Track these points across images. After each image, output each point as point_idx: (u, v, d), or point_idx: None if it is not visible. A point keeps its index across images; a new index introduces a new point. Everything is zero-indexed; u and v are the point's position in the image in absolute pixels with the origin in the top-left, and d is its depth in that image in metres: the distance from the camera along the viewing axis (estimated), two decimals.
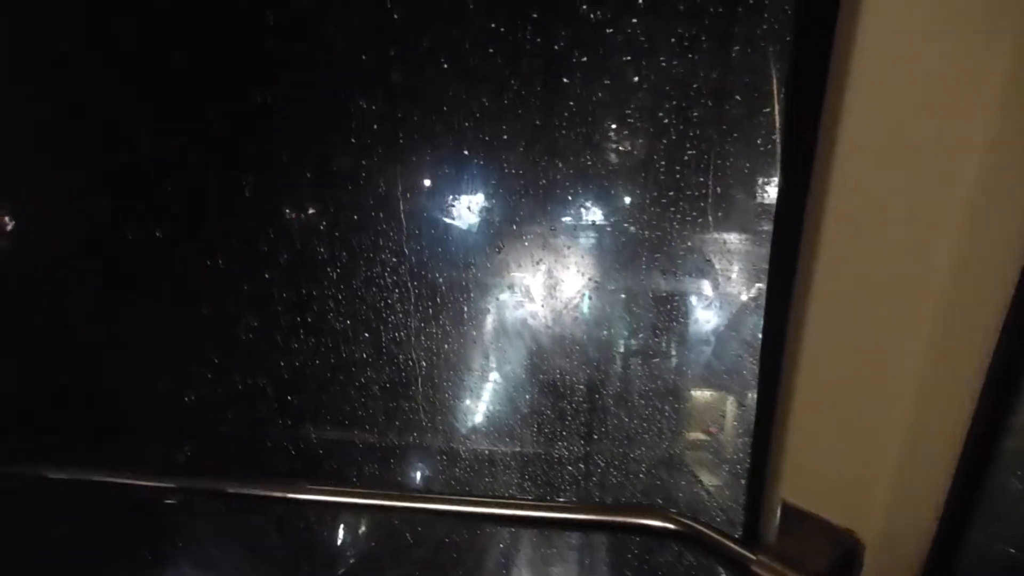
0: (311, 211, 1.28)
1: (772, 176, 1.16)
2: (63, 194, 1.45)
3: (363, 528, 1.60)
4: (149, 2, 1.26)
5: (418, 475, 1.46)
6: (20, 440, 1.52)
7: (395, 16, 1.24)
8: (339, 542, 1.57)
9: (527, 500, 1.52)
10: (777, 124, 1.21)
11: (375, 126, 1.30)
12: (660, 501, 1.44)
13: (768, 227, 1.17)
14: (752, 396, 1.31)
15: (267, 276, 1.39)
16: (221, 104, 1.35)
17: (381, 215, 1.33)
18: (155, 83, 1.39)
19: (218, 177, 1.36)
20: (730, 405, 1.36)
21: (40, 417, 1.55)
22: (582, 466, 1.46)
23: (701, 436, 1.39)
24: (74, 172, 1.44)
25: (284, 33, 1.31)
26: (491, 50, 1.24)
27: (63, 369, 1.51)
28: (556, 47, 1.22)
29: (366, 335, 1.39)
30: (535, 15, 1.21)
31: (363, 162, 1.32)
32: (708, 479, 1.42)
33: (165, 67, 1.37)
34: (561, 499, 1.43)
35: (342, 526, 1.56)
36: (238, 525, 1.56)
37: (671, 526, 1.11)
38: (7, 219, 1.45)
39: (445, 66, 1.25)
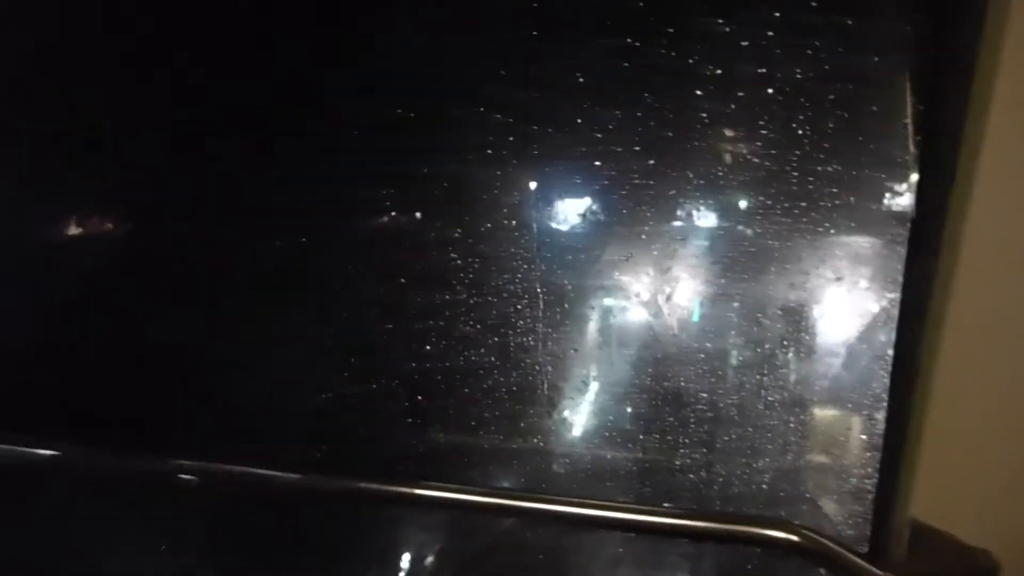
0: (445, 220, 1.35)
1: (907, 187, 1.17)
2: (200, 198, 1.55)
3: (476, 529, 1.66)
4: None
5: (541, 480, 1.50)
6: (162, 435, 1.64)
7: (533, 33, 1.30)
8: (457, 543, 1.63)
9: (644, 507, 1.55)
10: (912, 136, 1.21)
11: (510, 138, 1.36)
12: (783, 514, 1.45)
13: (903, 239, 1.19)
14: (882, 410, 1.31)
15: (402, 281, 1.46)
16: (357, 113, 1.43)
17: (513, 223, 1.40)
18: (302, 99, 1.48)
19: (355, 187, 1.44)
20: (857, 420, 1.36)
21: (182, 414, 1.65)
22: (704, 474, 1.48)
23: (826, 452, 1.40)
24: (210, 177, 1.54)
25: (421, 49, 1.38)
26: (625, 64, 1.28)
27: (207, 369, 1.61)
28: (689, 60, 1.26)
29: (494, 340, 1.45)
30: (670, 30, 1.25)
31: (498, 172, 1.39)
32: (832, 493, 1.42)
33: (310, 86, 1.46)
34: (679, 507, 1.46)
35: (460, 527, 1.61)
36: (366, 523, 1.64)
37: (795, 539, 1.14)
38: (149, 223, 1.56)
39: (580, 80, 1.30)
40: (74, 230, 1.63)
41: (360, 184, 1.42)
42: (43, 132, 1.65)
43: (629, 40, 1.23)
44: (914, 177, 1.21)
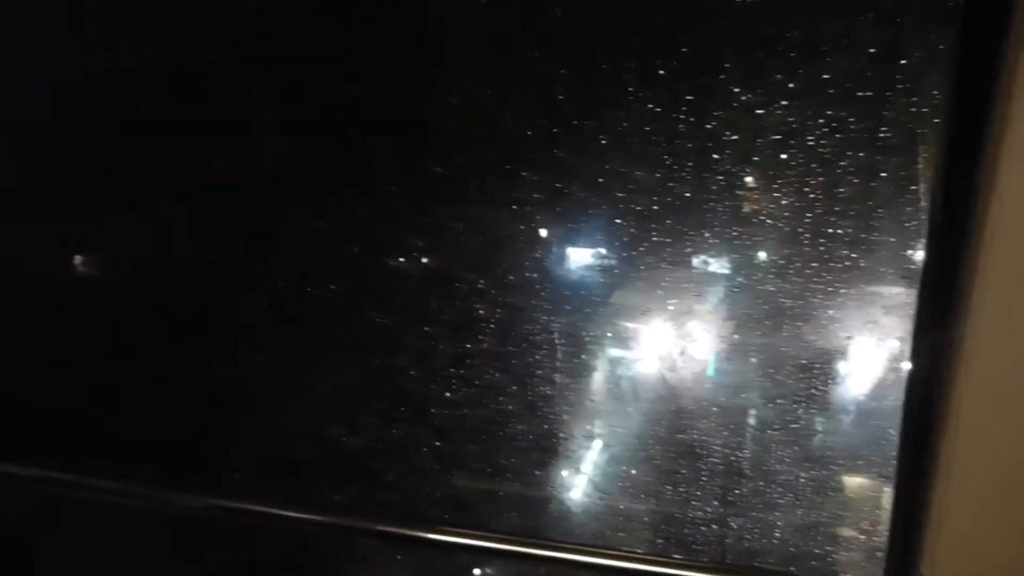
0: (473, 272, 1.41)
1: (918, 251, 1.21)
2: (237, 242, 1.61)
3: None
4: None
5: (558, 527, 1.53)
6: (193, 473, 1.68)
7: (560, 98, 1.37)
8: None
9: (657, 557, 1.57)
10: (923, 202, 1.26)
11: (536, 195, 1.42)
12: (793, 569, 1.47)
13: (913, 301, 1.23)
14: (893, 469, 1.34)
15: (427, 330, 1.51)
16: (393, 166, 1.50)
17: (536, 276, 1.45)
18: (337, 148, 1.55)
19: (387, 238, 1.50)
20: (869, 478, 1.39)
21: (213, 451, 1.70)
22: (716, 527, 1.50)
23: (838, 509, 1.42)
24: (248, 222, 1.60)
25: (455, 107, 1.45)
26: (646, 128, 1.35)
27: (238, 411, 1.66)
28: (708, 126, 1.31)
29: (516, 389, 1.49)
30: (689, 97, 1.31)
31: (523, 227, 1.44)
32: (844, 551, 1.44)
33: (348, 138, 1.53)
34: (691, 559, 1.48)
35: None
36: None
37: None
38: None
39: (604, 142, 1.36)
40: (103, 268, 1.67)
41: (392, 235, 1.48)
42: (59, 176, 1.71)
43: (651, 105, 1.29)
44: (924, 240, 1.26)
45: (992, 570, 0.89)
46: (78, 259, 1.74)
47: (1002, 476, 0.83)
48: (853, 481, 1.41)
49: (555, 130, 1.40)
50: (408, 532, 1.47)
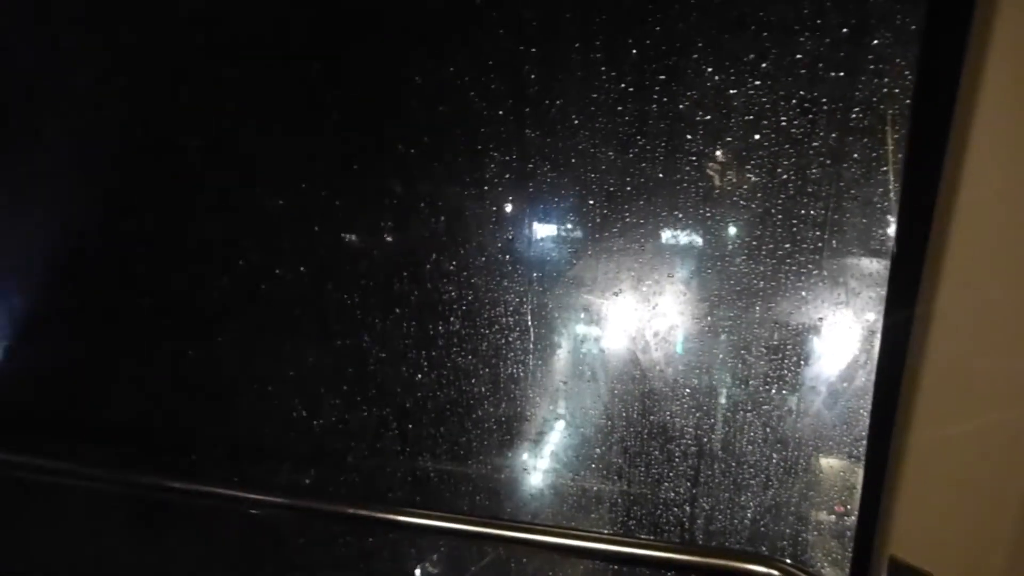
0: (441, 253, 1.40)
1: (888, 234, 1.22)
2: (204, 225, 1.59)
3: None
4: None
5: (527, 508, 1.53)
6: (160, 456, 1.66)
7: (532, 76, 1.36)
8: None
9: (628, 538, 1.58)
10: (892, 184, 1.26)
11: (507, 175, 1.41)
12: (764, 548, 1.48)
13: (883, 281, 1.24)
14: (863, 448, 1.35)
15: (397, 311, 1.50)
16: (361, 147, 1.48)
17: (507, 258, 1.44)
18: (307, 131, 1.53)
19: (354, 219, 1.48)
20: (838, 457, 1.40)
21: (179, 435, 1.68)
22: (687, 508, 1.51)
23: (807, 488, 1.43)
24: (215, 206, 1.58)
25: (423, 87, 1.44)
26: (619, 108, 1.34)
27: (204, 392, 1.64)
28: (680, 107, 1.31)
29: (485, 371, 1.49)
30: (661, 77, 1.31)
31: (494, 208, 1.43)
32: (813, 529, 1.46)
33: (316, 121, 1.51)
34: (663, 539, 1.48)
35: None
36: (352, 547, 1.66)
37: (775, 573, 1.17)
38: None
39: (576, 121, 1.36)
40: (78, 252, 1.65)
41: (359, 216, 1.46)
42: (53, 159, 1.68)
43: (623, 85, 1.29)
44: (893, 221, 1.26)
45: (963, 549, 0.90)
46: (44, 245, 1.71)
47: (970, 455, 0.84)
48: (823, 461, 1.42)
49: (525, 109, 1.38)
50: (373, 514, 1.46)
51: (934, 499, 0.91)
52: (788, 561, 1.17)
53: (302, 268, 1.53)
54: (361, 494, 1.58)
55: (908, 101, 1.25)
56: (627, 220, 1.41)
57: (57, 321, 1.73)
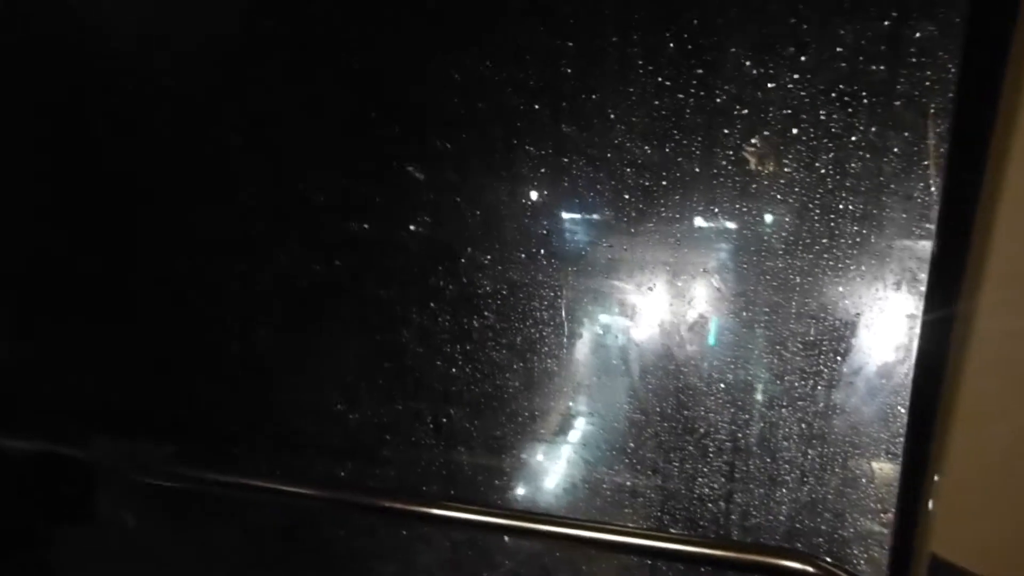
0: (477, 247, 1.42)
1: (929, 229, 1.22)
2: (241, 216, 1.62)
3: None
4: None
5: (561, 503, 1.55)
6: (202, 447, 1.70)
7: (568, 71, 1.37)
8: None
9: (664, 533, 1.60)
10: (933, 179, 1.26)
11: (543, 170, 1.43)
12: (800, 545, 1.49)
13: (923, 277, 1.24)
14: (901, 445, 1.35)
15: (432, 305, 1.53)
16: (398, 143, 1.51)
17: (543, 252, 1.46)
18: (343, 125, 1.56)
19: (391, 213, 1.51)
20: (877, 454, 1.40)
21: (220, 427, 1.72)
22: (723, 504, 1.52)
23: (845, 485, 1.44)
24: (253, 196, 1.62)
25: (465, 92, 1.46)
26: (656, 102, 1.35)
27: (239, 386, 1.68)
28: (717, 101, 1.32)
29: (521, 365, 1.51)
30: (699, 71, 1.31)
31: (530, 202, 1.45)
32: (851, 526, 1.46)
33: (350, 114, 1.54)
34: (698, 534, 1.50)
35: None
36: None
37: (811, 570, 1.18)
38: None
39: (612, 116, 1.37)
40: (107, 242, 1.69)
41: (396, 210, 1.49)
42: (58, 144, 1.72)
43: (660, 79, 1.30)
44: (934, 217, 1.26)
45: (1004, 546, 0.90)
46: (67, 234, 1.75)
47: (1011, 452, 0.84)
48: (860, 458, 1.43)
49: (561, 104, 1.40)
50: (409, 507, 1.49)
51: (975, 497, 0.91)
52: (826, 559, 1.18)
53: (338, 263, 1.56)
54: (396, 487, 1.61)
55: (951, 94, 1.25)
56: (663, 215, 1.42)
57: (99, 312, 1.78)
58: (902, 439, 1.44)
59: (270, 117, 1.57)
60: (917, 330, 1.23)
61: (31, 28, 1.64)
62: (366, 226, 1.55)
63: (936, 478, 0.93)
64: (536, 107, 1.41)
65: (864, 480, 1.48)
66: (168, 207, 1.67)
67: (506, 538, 1.67)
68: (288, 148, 1.56)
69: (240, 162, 1.60)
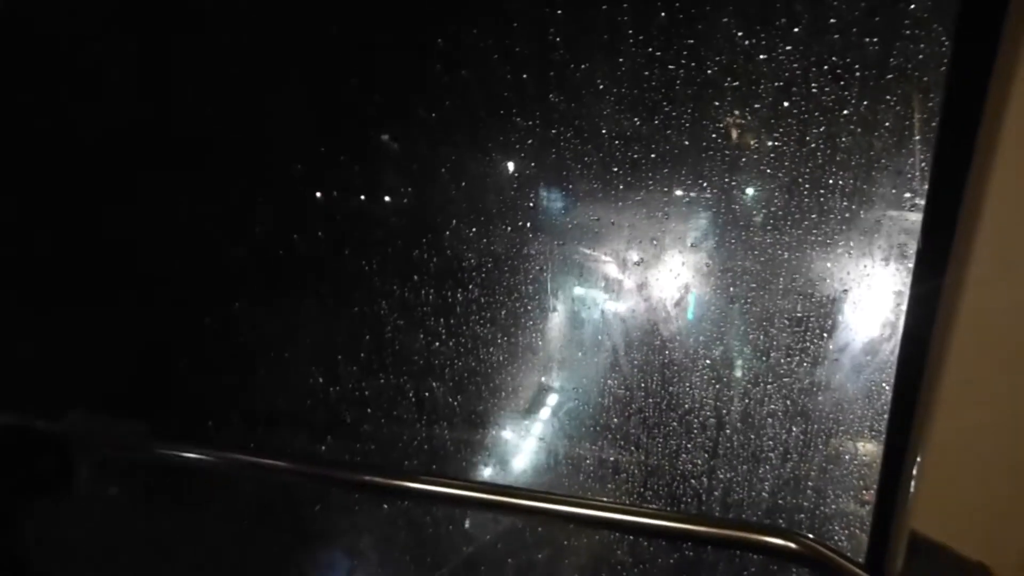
0: (462, 220, 1.40)
1: (917, 202, 1.21)
2: (218, 194, 1.59)
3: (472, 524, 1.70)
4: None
5: (543, 478, 1.55)
6: (179, 423, 1.68)
7: (557, 39, 1.35)
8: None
9: (646, 509, 1.60)
10: (925, 154, 1.25)
11: (530, 141, 1.40)
12: (782, 521, 1.49)
13: (911, 252, 1.24)
14: (884, 422, 1.36)
15: (415, 278, 1.51)
16: (377, 112, 1.47)
17: (528, 225, 1.44)
18: (321, 99, 1.53)
19: (373, 184, 1.48)
20: (859, 431, 1.41)
21: (197, 403, 1.70)
22: (706, 480, 1.53)
23: (828, 462, 1.44)
24: (229, 173, 1.58)
25: (445, 50, 1.43)
26: (646, 73, 1.33)
27: (219, 361, 1.66)
28: (708, 72, 1.30)
29: (504, 339, 1.50)
30: (689, 41, 1.29)
31: (516, 174, 1.43)
32: (832, 503, 1.47)
33: (332, 88, 1.51)
34: (680, 511, 1.49)
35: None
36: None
37: (793, 546, 1.18)
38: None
39: (601, 87, 1.35)
40: (89, 231, 1.66)
41: (378, 181, 1.46)
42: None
43: (650, 50, 1.28)
44: (924, 192, 1.26)
45: (984, 523, 0.90)
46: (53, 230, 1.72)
47: (993, 429, 0.84)
48: (843, 435, 1.43)
49: (549, 73, 1.38)
50: (389, 482, 1.47)
51: (955, 473, 0.92)
52: (808, 535, 1.18)
53: (320, 234, 1.53)
54: (377, 462, 1.59)
55: (943, 68, 1.24)
56: (651, 188, 1.40)
57: (71, 296, 1.74)
58: (886, 416, 1.44)
59: (249, 89, 1.53)
60: (904, 307, 1.22)
61: None
62: (347, 199, 1.52)
63: (919, 455, 0.92)
64: (523, 77, 1.39)
65: (846, 457, 1.48)
66: (137, 185, 1.63)
67: (488, 513, 1.66)
68: (267, 121, 1.52)
69: (216, 136, 1.56)
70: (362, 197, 1.50)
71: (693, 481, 1.59)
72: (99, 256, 1.71)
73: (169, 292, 1.68)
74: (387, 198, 1.47)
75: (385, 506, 1.69)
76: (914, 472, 1.00)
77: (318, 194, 1.50)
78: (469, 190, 1.48)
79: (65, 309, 1.76)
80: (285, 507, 1.83)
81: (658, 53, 1.36)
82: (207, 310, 1.63)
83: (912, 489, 1.01)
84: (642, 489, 1.62)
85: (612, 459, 1.61)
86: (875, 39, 1.26)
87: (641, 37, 1.36)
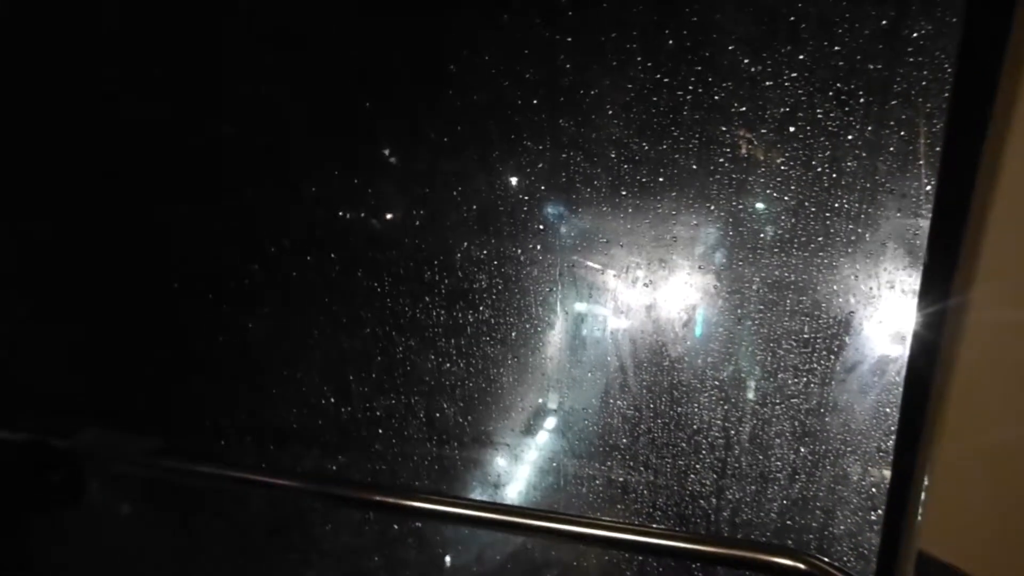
0: (472, 242, 1.43)
1: (923, 227, 1.24)
2: (225, 209, 1.62)
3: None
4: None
5: (553, 498, 1.57)
6: (194, 441, 1.71)
7: (567, 66, 1.38)
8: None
9: (653, 528, 1.61)
10: (929, 178, 1.28)
11: (540, 165, 1.44)
12: (790, 541, 1.51)
13: (916, 276, 1.26)
14: (891, 443, 1.37)
15: (426, 300, 1.54)
16: (394, 136, 1.51)
17: (538, 247, 1.47)
18: (333, 118, 1.56)
19: (386, 207, 1.51)
20: (867, 451, 1.43)
21: (210, 422, 1.73)
22: (714, 500, 1.54)
23: (835, 482, 1.46)
24: (238, 188, 1.62)
25: (464, 86, 1.46)
26: (654, 99, 1.36)
27: (235, 379, 1.68)
28: (715, 99, 1.33)
29: (514, 360, 1.52)
30: (698, 68, 1.33)
31: (526, 197, 1.46)
32: (840, 523, 1.48)
33: (339, 102, 1.54)
34: (687, 530, 1.51)
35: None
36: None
37: (802, 566, 1.20)
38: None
39: (610, 112, 1.38)
40: (86, 238, 1.68)
41: (391, 204, 1.49)
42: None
43: (659, 76, 1.31)
44: (928, 214, 1.28)
45: (992, 544, 0.92)
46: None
47: (1001, 450, 0.86)
48: (851, 456, 1.45)
49: (559, 99, 1.41)
50: (400, 502, 1.49)
51: (964, 494, 0.93)
52: (817, 555, 1.20)
53: (332, 255, 1.56)
54: (387, 481, 1.62)
55: (946, 94, 1.27)
56: (659, 211, 1.43)
57: (80, 308, 1.77)
58: (893, 436, 1.46)
59: (257, 107, 1.57)
60: (910, 328, 1.24)
61: None
62: (360, 220, 1.56)
63: (927, 476, 0.94)
64: (534, 102, 1.42)
65: (854, 477, 1.50)
66: (151, 201, 1.66)
67: (498, 533, 1.68)
68: (278, 141, 1.56)
69: (230, 154, 1.60)
70: (376, 220, 1.53)
71: (702, 501, 1.61)
72: (109, 274, 1.74)
73: (182, 311, 1.71)
74: (400, 221, 1.50)
75: (395, 525, 1.71)
76: (923, 492, 1.02)
77: (332, 216, 1.53)
78: (480, 213, 1.51)
79: (74, 328, 1.79)
80: (295, 525, 1.85)
81: (665, 79, 1.40)
82: (221, 330, 1.66)
83: (920, 509, 1.03)
84: (650, 509, 1.64)
85: (620, 479, 1.62)
86: (879, 65, 1.29)
87: (650, 64, 1.39)
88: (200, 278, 1.68)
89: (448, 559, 1.74)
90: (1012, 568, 0.95)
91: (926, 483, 0.96)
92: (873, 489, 1.51)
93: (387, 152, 1.46)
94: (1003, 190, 0.84)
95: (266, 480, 1.52)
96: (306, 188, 1.52)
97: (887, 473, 1.21)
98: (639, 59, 1.38)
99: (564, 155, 1.45)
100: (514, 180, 1.42)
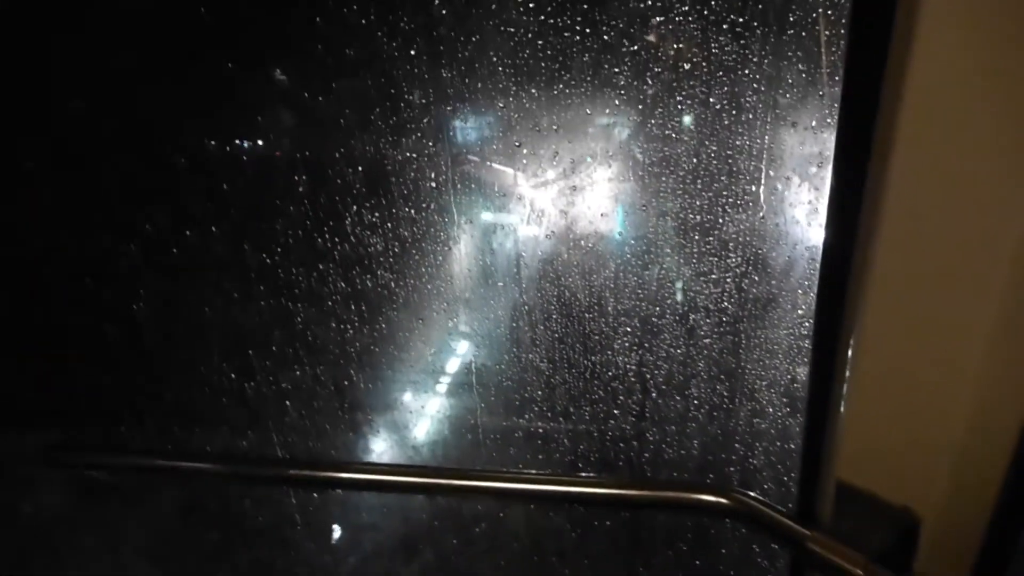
0: (363, 206, 1.37)
1: (827, 160, 1.22)
2: (130, 189, 1.54)
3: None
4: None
5: (473, 454, 1.57)
6: (88, 427, 1.66)
7: (443, 13, 1.31)
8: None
9: (577, 477, 1.63)
10: (831, 109, 1.26)
11: (425, 120, 1.40)
12: (712, 478, 1.53)
13: (823, 204, 1.25)
14: (805, 374, 1.39)
15: (320, 267, 1.49)
16: (276, 110, 1.43)
17: (432, 207, 1.43)
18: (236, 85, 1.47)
19: (276, 173, 1.44)
20: (782, 385, 1.44)
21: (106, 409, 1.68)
22: (635, 443, 1.55)
23: (753, 417, 1.48)
24: (145, 168, 1.53)
25: (335, 40, 1.38)
26: (540, 43, 1.31)
27: (133, 359, 1.63)
28: (605, 38, 1.27)
29: (419, 320, 1.50)
30: (584, 6, 1.27)
31: (413, 155, 1.41)
32: (760, 457, 1.51)
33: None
34: (611, 476, 1.53)
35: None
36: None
37: (725, 502, 1.22)
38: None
39: (494, 59, 1.32)
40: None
41: (273, 173, 1.42)
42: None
43: (543, 17, 1.24)
44: (832, 146, 1.26)
45: (907, 470, 0.94)
46: None
47: (913, 377, 0.86)
48: (765, 389, 1.46)
49: (439, 47, 1.34)
50: (314, 474, 1.48)
51: (878, 422, 0.94)
52: (739, 489, 1.22)
53: (214, 229, 1.49)
54: (302, 454, 1.59)
55: (844, 20, 1.23)
56: (555, 159, 1.38)
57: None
58: (807, 368, 1.48)
59: (111, 74, 1.46)
60: (818, 261, 1.24)
61: None
62: (242, 192, 1.48)
63: (841, 403, 0.95)
64: (412, 53, 1.34)
65: (772, 411, 1.52)
66: (28, 184, 1.56)
67: (421, 495, 1.68)
68: (153, 110, 1.46)
69: (101, 132, 1.50)
70: (259, 190, 1.45)
71: (623, 445, 1.62)
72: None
73: (65, 298, 1.63)
74: (285, 190, 1.42)
75: (315, 495, 1.69)
76: (838, 422, 1.03)
77: (211, 189, 1.45)
78: (367, 174, 1.45)
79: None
80: (211, 508, 1.83)
81: (551, 21, 1.33)
82: (106, 312, 1.59)
83: (837, 439, 1.04)
84: (572, 457, 1.65)
85: (540, 430, 1.62)
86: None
87: (531, 4, 1.32)
88: (79, 261, 1.59)
89: (372, 526, 1.74)
90: (927, 489, 0.97)
91: (842, 412, 0.97)
92: (790, 420, 1.53)
93: (266, 118, 1.38)
94: (906, 115, 0.81)
95: (179, 465, 1.49)
96: (177, 160, 1.43)
97: (804, 405, 1.22)
98: (519, 0, 1.30)
99: (449, 108, 1.39)
100: (397, 137, 1.36)
